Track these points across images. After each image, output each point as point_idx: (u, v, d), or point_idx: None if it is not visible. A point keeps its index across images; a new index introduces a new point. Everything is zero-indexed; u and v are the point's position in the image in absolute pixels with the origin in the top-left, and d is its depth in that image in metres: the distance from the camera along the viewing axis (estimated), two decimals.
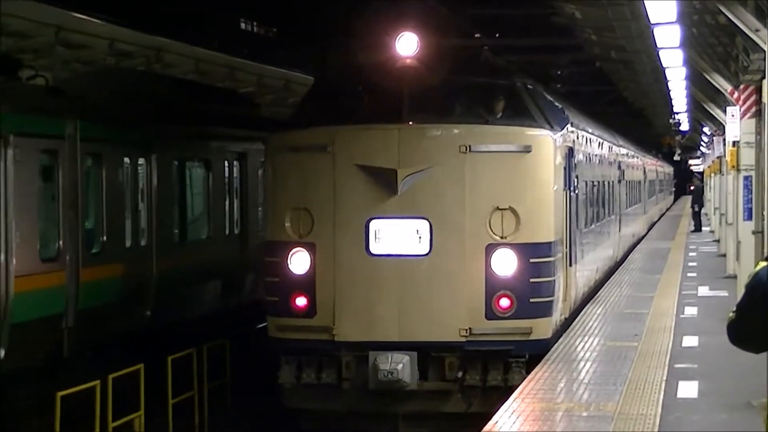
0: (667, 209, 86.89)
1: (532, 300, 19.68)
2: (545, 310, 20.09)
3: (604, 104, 50.87)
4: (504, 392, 18.28)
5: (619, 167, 38.82)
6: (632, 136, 55.94)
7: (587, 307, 27.69)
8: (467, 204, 19.56)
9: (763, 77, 20.83)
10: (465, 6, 32.30)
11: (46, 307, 21.42)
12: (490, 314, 19.50)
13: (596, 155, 30.72)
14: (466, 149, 19.56)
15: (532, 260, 19.67)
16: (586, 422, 15.79)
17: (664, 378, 18.87)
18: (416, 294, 19.59)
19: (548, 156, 20.11)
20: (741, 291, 28.81)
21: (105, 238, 23.50)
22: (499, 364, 19.46)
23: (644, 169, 52.58)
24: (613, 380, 18.54)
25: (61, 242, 21.76)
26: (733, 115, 30.02)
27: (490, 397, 18.97)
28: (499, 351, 19.45)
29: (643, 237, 50.23)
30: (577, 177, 24.29)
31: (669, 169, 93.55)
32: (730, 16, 19.49)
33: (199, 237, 28.94)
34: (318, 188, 19.85)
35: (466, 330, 19.42)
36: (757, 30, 18.61)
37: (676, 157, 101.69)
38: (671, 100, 49.48)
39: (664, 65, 33.03)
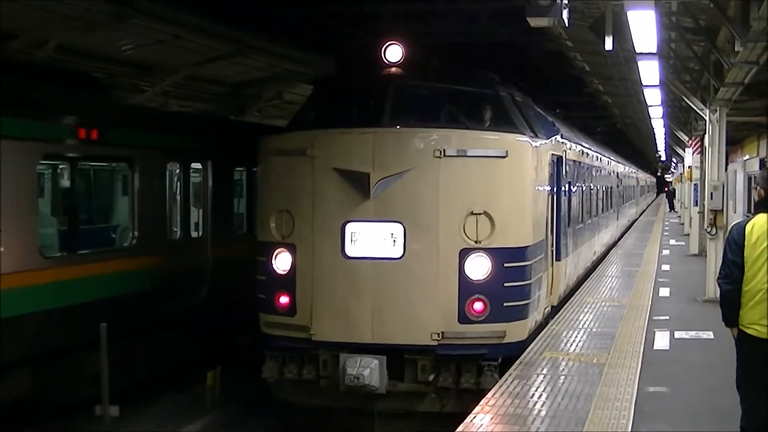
0: (652, 201, 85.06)
1: (506, 304, 11.49)
2: (520, 313, 11.72)
3: (622, 144, 50.32)
4: (477, 394, 10.67)
5: (618, 176, 31.96)
6: (634, 161, 55.41)
7: (612, 250, 26.89)
8: (441, 208, 11.40)
9: (704, 134, 20.94)
10: (546, 93, 31.96)
11: None
12: (464, 318, 11.38)
13: (595, 167, 21.92)
14: (441, 154, 11.39)
15: (506, 265, 11.47)
16: (611, 309, 15.10)
17: (652, 286, 18.83)
18: (390, 297, 11.52)
19: (525, 162, 11.81)
20: (692, 244, 29.04)
21: None
22: (472, 367, 11.44)
23: (637, 178, 51.34)
24: (626, 287, 18.48)
25: None
26: (688, 153, 30.24)
27: (463, 399, 11.35)
28: (472, 355, 11.45)
29: (637, 219, 48.72)
30: (569, 183, 16.03)
31: (653, 180, 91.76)
32: (688, 102, 19.40)
33: None
34: (299, 191, 11.95)
35: (439, 334, 11.33)
36: (701, 109, 18.51)
37: (658, 174, 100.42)
38: (656, 144, 49.09)
39: (653, 126, 33.12)
